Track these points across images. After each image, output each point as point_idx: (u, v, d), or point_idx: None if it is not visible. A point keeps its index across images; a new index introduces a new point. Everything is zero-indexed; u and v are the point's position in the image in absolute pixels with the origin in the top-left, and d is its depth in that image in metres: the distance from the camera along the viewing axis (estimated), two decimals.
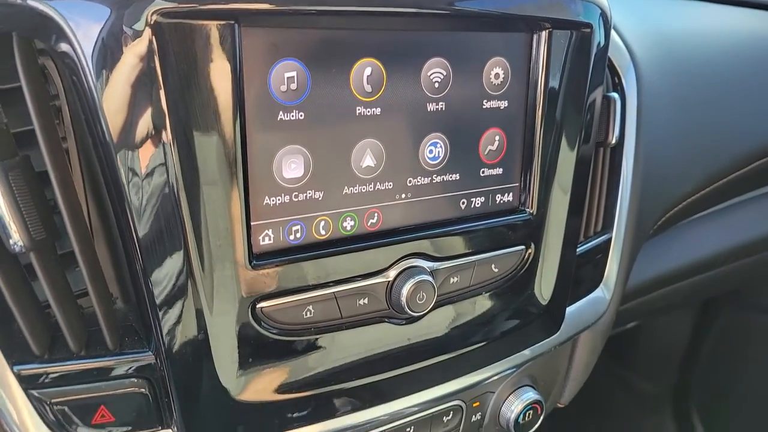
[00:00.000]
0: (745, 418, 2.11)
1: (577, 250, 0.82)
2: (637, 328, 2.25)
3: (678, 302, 1.38)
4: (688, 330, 2.24)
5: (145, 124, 0.47)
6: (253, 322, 0.57)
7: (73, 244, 0.51)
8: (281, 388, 0.60)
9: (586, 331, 0.89)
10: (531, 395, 0.81)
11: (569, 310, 0.83)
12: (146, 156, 0.48)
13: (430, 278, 0.64)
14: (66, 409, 0.53)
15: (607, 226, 0.88)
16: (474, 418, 0.79)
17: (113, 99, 0.46)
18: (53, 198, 0.51)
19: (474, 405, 0.78)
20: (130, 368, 0.55)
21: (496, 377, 0.78)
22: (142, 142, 0.48)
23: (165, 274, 0.52)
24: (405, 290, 0.63)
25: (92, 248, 0.55)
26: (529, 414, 0.82)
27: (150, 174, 0.49)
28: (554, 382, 0.88)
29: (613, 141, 0.82)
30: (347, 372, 0.64)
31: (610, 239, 0.88)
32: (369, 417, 0.67)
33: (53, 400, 0.52)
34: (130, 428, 0.56)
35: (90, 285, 0.52)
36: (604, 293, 0.88)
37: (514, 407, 0.81)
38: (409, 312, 0.64)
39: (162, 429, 0.57)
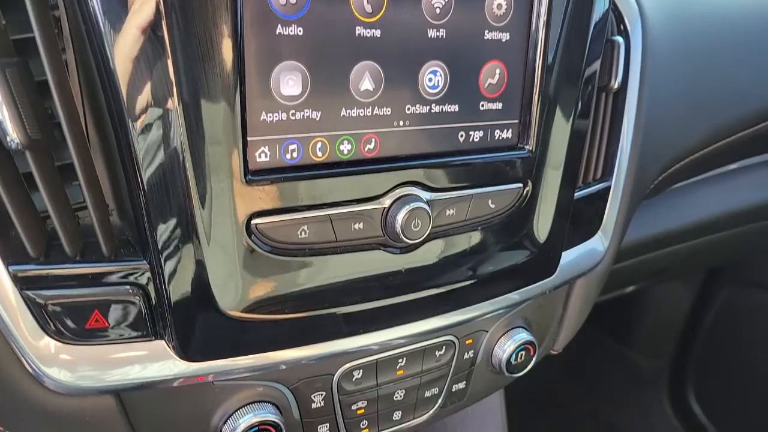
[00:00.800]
0: (742, 396, 2.12)
1: (576, 195, 0.82)
2: (636, 304, 2.26)
3: (677, 267, 1.38)
4: (688, 307, 2.25)
5: (143, 34, 0.47)
6: (247, 238, 0.58)
7: (71, 150, 0.51)
8: (274, 307, 0.61)
9: (582, 278, 0.89)
10: (523, 336, 0.82)
11: (565, 254, 0.83)
12: (144, 67, 0.48)
13: (425, 206, 0.64)
14: (60, 311, 0.54)
15: (607, 173, 0.88)
16: (466, 356, 0.80)
17: (111, 9, 0.46)
18: (51, 107, 0.52)
19: (467, 342, 0.79)
20: (125, 276, 0.55)
21: (489, 315, 0.78)
22: (141, 52, 0.48)
23: (161, 186, 0.53)
24: (400, 217, 0.63)
25: (89, 158, 0.55)
26: (521, 355, 0.83)
27: (148, 86, 0.49)
28: (548, 327, 0.89)
29: (616, 86, 0.82)
30: (340, 296, 0.65)
31: (609, 187, 0.88)
32: (360, 344, 0.68)
33: (48, 302, 0.53)
34: (123, 335, 0.56)
35: (86, 191, 0.53)
36: (601, 241, 0.88)
37: (506, 347, 0.82)
38: (404, 239, 0.64)
39: (155, 340, 0.58)
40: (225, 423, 0.65)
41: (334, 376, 0.70)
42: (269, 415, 0.65)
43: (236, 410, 0.65)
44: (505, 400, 1.14)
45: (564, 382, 2.43)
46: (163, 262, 0.55)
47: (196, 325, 0.58)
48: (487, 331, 0.81)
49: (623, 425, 2.35)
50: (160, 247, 0.54)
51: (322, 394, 0.70)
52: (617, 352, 2.37)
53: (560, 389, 2.43)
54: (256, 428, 0.64)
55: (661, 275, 1.40)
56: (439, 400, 0.81)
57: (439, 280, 0.71)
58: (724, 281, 2.07)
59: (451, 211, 0.69)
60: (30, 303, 0.53)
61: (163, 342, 0.58)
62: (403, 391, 0.76)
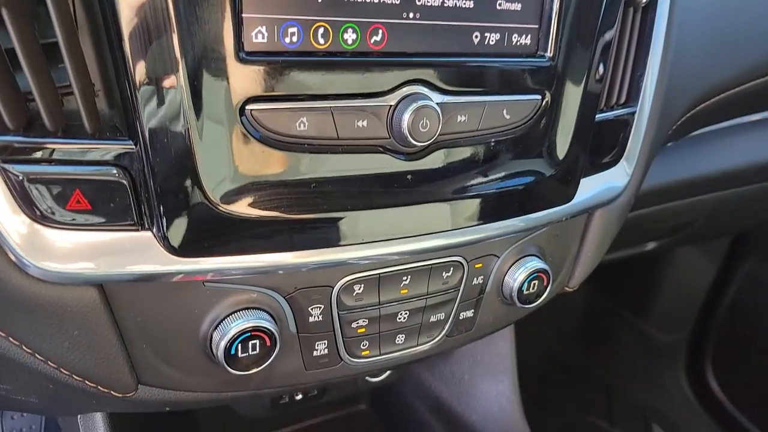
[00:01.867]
0: (762, 373, 2.06)
1: (598, 117, 0.77)
2: (654, 276, 2.20)
3: (701, 223, 1.31)
4: (709, 279, 2.19)
5: None
6: (240, 125, 0.54)
7: (56, 26, 0.48)
8: (268, 204, 0.57)
9: (602, 210, 0.84)
10: (537, 264, 0.78)
11: (584, 182, 0.78)
12: None
13: (435, 106, 0.60)
14: (40, 188, 0.50)
15: (632, 99, 0.83)
16: (475, 281, 0.76)
17: None
18: None
19: (476, 266, 0.75)
20: (109, 155, 0.52)
21: (500, 239, 0.74)
22: None
23: (150, 62, 0.49)
24: (407, 115, 0.59)
25: (75, 34, 0.51)
26: (533, 284, 0.78)
27: None
28: (563, 259, 0.84)
29: (644, 0, 0.76)
30: (340, 200, 0.60)
31: (634, 113, 0.83)
32: (362, 255, 0.64)
33: (26, 178, 0.50)
34: (108, 222, 0.53)
35: (70, 66, 0.49)
36: (623, 170, 0.83)
37: (518, 275, 0.77)
38: (411, 141, 0.60)
39: (143, 230, 0.54)
40: (215, 329, 0.61)
41: (333, 288, 0.66)
42: (263, 321, 0.61)
43: (228, 315, 0.61)
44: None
45: (577, 356, 2.38)
46: (149, 143, 0.51)
47: (184, 217, 0.55)
48: (498, 257, 0.76)
49: (638, 401, 2.30)
50: (146, 127, 0.51)
51: (320, 308, 0.66)
52: (633, 326, 2.31)
53: (573, 363, 2.38)
54: (248, 334, 0.61)
55: (684, 232, 1.34)
56: (446, 327, 0.76)
57: (446, 193, 0.67)
58: (749, 252, 2.00)
59: (463, 118, 0.64)
60: (8, 178, 0.50)
61: (151, 234, 0.55)
62: (407, 312, 0.72)
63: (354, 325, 0.69)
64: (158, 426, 0.90)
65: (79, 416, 0.79)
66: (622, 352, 2.34)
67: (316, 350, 0.69)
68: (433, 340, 0.76)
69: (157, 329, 0.60)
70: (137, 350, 0.60)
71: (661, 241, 1.41)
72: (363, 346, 0.71)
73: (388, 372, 0.99)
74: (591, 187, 0.80)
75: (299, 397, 0.92)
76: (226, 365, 0.61)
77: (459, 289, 0.75)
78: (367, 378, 0.98)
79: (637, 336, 2.31)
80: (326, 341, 0.69)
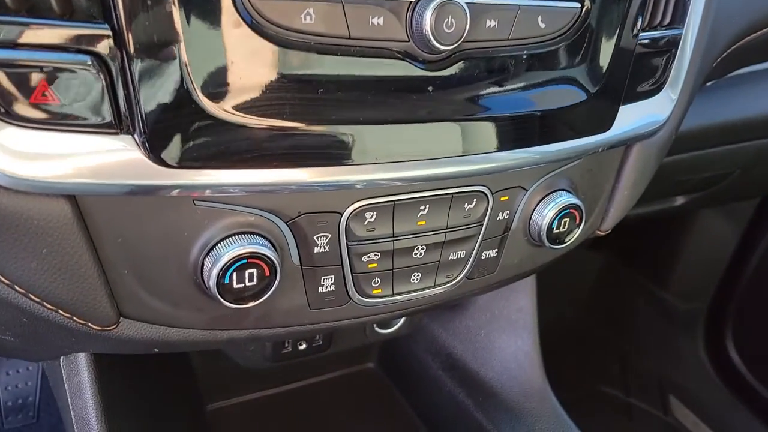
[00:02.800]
0: None
1: (641, 37, 0.68)
2: (673, 241, 2.12)
3: (736, 178, 1.23)
4: (732, 247, 2.10)
5: None
6: (236, 13, 0.46)
7: None
8: (266, 110, 0.49)
9: (640, 144, 0.75)
10: (568, 199, 0.69)
11: (624, 109, 0.69)
12: None
13: (462, 2, 0.51)
14: None
15: (678, 20, 0.74)
16: (500, 216, 0.68)
17: None
18: None
19: (501, 199, 0.67)
20: (80, 41, 0.44)
21: (529, 168, 0.66)
22: None
23: None
24: (429, 12, 0.51)
25: None
26: (564, 222, 0.70)
27: None
28: (597, 198, 0.76)
29: None
30: (350, 110, 0.52)
31: (679, 36, 0.74)
32: (372, 177, 0.56)
33: None
34: (80, 121, 0.45)
35: None
36: (666, 99, 0.74)
37: (547, 211, 0.69)
38: (434, 42, 0.51)
39: (122, 134, 0.47)
40: (207, 255, 0.54)
41: (342, 215, 0.58)
42: (261, 247, 0.54)
43: (221, 240, 0.53)
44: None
45: (592, 324, 2.32)
46: (127, 26, 0.43)
47: (169, 119, 0.47)
48: (526, 190, 0.68)
49: (654, 371, 2.23)
50: (124, 4, 0.43)
51: (326, 237, 0.59)
52: (650, 293, 2.23)
53: (587, 331, 2.31)
54: (245, 261, 0.53)
55: (716, 186, 1.25)
56: (466, 267, 0.69)
57: (469, 110, 0.58)
58: None
59: (492, 23, 0.56)
60: None
61: (131, 138, 0.47)
62: (424, 248, 0.64)
63: (364, 259, 0.62)
64: (149, 375, 0.84)
65: (61, 360, 0.73)
66: (639, 320, 2.27)
67: (322, 286, 0.61)
68: (452, 281, 0.69)
69: (139, 253, 0.53)
70: (117, 276, 0.53)
71: (690, 196, 1.32)
72: (374, 283, 0.64)
73: (400, 323, 0.92)
74: (631, 117, 0.72)
75: (303, 346, 0.85)
76: (219, 297, 0.54)
77: (482, 225, 0.67)
78: (376, 329, 0.91)
79: (654, 304, 2.24)
80: (333, 276, 0.61)
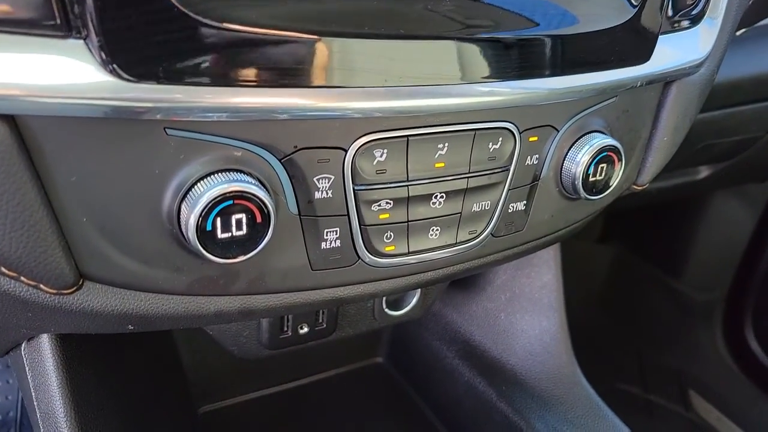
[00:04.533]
0: None
1: None
2: (689, 229, 2.03)
3: (763, 144, 1.14)
4: (748, 233, 2.02)
5: None
6: None
7: None
8: (254, 12, 0.40)
9: (680, 84, 0.66)
10: (605, 139, 0.60)
11: (663, 40, 0.61)
12: None
13: None
14: None
15: None
16: (529, 161, 0.58)
17: None
18: None
19: (530, 140, 0.57)
20: None
21: (560, 103, 0.57)
22: None
23: None
24: None
25: None
26: (601, 168, 0.61)
27: None
28: (633, 144, 0.67)
29: None
30: (354, 17, 0.43)
31: None
32: (382, 104, 0.47)
33: None
34: (14, 18, 0.36)
35: None
36: (705, 32, 0.66)
37: (581, 156, 0.60)
38: None
39: (71, 38, 0.37)
40: (184, 198, 0.44)
41: (346, 152, 0.49)
42: (250, 185, 0.44)
43: (200, 179, 0.44)
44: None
45: (604, 319, 2.22)
46: None
47: (132, 17, 0.37)
48: (558, 130, 0.59)
49: (671, 366, 2.13)
50: None
51: (328, 179, 0.49)
52: (665, 285, 2.14)
53: (601, 328, 2.21)
54: (230, 203, 0.44)
55: (745, 153, 1.16)
56: (491, 222, 0.59)
57: (493, 28, 0.49)
58: None
59: None
60: None
61: (84, 43, 0.37)
62: (444, 196, 0.55)
63: (374, 207, 0.52)
64: (131, 372, 0.74)
65: (23, 348, 0.62)
66: (654, 314, 2.17)
67: (325, 241, 0.52)
68: (475, 238, 0.59)
69: (100, 196, 0.43)
70: (74, 225, 0.43)
71: (715, 167, 1.23)
72: (387, 238, 0.54)
73: (413, 302, 0.82)
74: (670, 50, 0.63)
75: (304, 330, 0.75)
76: (200, 248, 0.44)
77: (509, 170, 0.57)
78: (386, 310, 0.81)
79: (669, 296, 2.14)
80: (338, 229, 0.52)
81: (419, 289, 0.81)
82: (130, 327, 0.54)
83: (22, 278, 0.43)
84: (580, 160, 0.60)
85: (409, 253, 0.56)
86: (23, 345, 0.61)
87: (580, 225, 0.72)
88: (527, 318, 0.90)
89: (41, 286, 0.43)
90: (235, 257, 0.45)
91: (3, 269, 0.42)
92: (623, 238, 2.23)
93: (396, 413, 1.01)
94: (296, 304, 0.59)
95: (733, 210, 2.01)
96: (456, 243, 0.58)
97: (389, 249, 0.55)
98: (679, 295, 2.13)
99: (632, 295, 2.23)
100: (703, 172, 1.25)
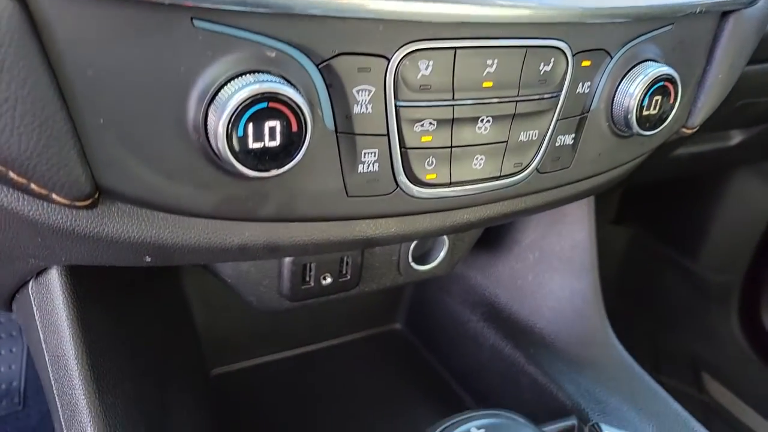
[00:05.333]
0: None
1: None
2: (705, 208, 1.99)
3: None
4: (766, 219, 1.98)
5: None
6: None
7: None
8: None
9: (737, 17, 0.62)
10: (660, 68, 0.55)
11: None
12: None
13: None
14: None
15: None
16: (580, 89, 0.54)
17: None
18: None
19: (582, 64, 0.52)
20: None
21: (614, 24, 0.52)
22: None
23: None
24: None
25: None
26: (657, 100, 0.56)
27: None
28: (687, 80, 0.62)
29: None
30: None
31: None
32: (430, 10, 0.42)
33: None
34: None
35: None
36: None
37: (635, 87, 0.55)
38: None
39: None
40: (212, 101, 0.39)
41: (389, 61, 0.44)
42: (286, 87, 0.40)
43: (230, 80, 0.39)
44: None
45: (618, 303, 2.18)
46: None
47: None
48: (611, 57, 0.54)
49: (685, 349, 2.09)
50: None
51: (369, 91, 0.44)
52: (680, 266, 2.09)
53: (614, 309, 2.17)
54: (264, 105, 0.39)
55: None
56: (539, 153, 0.54)
57: None
58: None
59: None
60: None
61: None
62: (490, 120, 0.50)
63: (417, 128, 0.47)
64: (139, 321, 0.69)
65: (30, 288, 0.58)
66: (668, 295, 2.13)
67: (363, 164, 0.47)
68: (520, 171, 0.54)
69: (119, 94, 0.38)
70: (90, 127, 0.38)
71: (751, 131, 1.18)
72: (428, 165, 0.49)
73: (440, 257, 0.78)
74: None
75: (327, 281, 0.70)
76: (230, 157, 0.39)
77: (559, 96, 0.53)
78: (412, 264, 0.77)
79: (684, 277, 2.10)
80: (377, 151, 0.47)
81: (446, 244, 0.77)
82: (148, 259, 0.49)
83: (33, 185, 0.38)
84: (634, 92, 0.56)
85: (450, 184, 0.51)
86: (30, 284, 0.57)
87: (624, 171, 0.68)
88: (557, 279, 0.86)
89: (53, 195, 0.39)
90: (267, 170, 0.41)
91: (12, 174, 0.37)
92: (639, 219, 2.18)
93: (415, 380, 0.97)
94: (324, 241, 0.54)
95: (752, 190, 1.96)
96: (500, 176, 0.54)
97: (430, 177, 0.50)
98: (695, 276, 2.09)
99: (647, 277, 2.19)
100: (736, 137, 1.21)
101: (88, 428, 0.55)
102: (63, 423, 0.56)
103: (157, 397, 0.66)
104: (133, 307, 0.69)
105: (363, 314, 1.03)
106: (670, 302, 2.13)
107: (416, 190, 0.50)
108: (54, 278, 0.54)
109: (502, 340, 0.87)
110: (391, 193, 0.50)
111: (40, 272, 0.55)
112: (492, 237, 0.92)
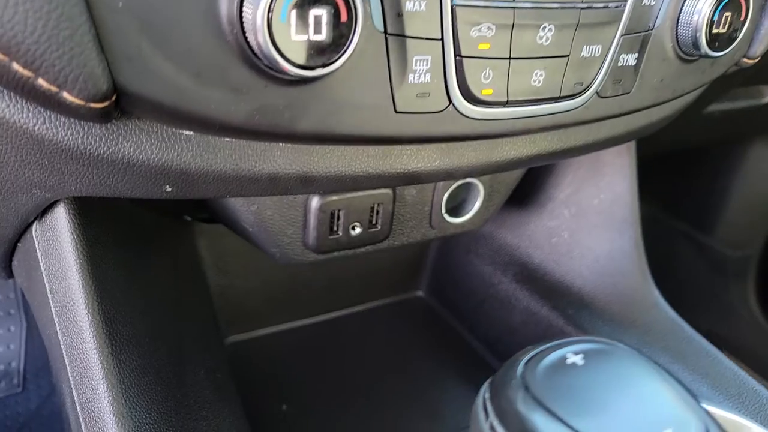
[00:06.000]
0: None
1: None
2: (721, 182, 1.94)
3: None
4: None
5: None
6: None
7: None
8: None
9: None
10: None
11: None
12: None
13: None
14: None
15: None
16: (645, 1, 0.48)
17: None
18: None
19: None
20: None
21: None
22: None
23: None
24: None
25: None
26: (726, 18, 0.51)
27: None
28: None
29: None
30: None
31: None
32: None
33: None
34: None
35: None
36: None
37: (702, 3, 0.50)
38: None
39: None
40: None
41: None
42: None
43: None
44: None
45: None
46: None
47: None
48: None
49: (703, 327, 2.04)
50: None
51: None
52: (695, 241, 2.04)
53: None
54: None
55: None
56: (600, 72, 0.49)
57: None
58: None
59: None
60: None
61: None
62: (552, 29, 0.44)
63: (474, 33, 0.42)
64: (152, 277, 0.64)
65: (34, 231, 0.52)
66: (684, 271, 2.08)
67: (413, 72, 0.41)
68: (581, 93, 0.49)
69: None
70: (108, 10, 0.32)
71: None
72: (485, 78, 0.44)
73: (475, 208, 0.72)
74: None
75: (356, 231, 0.65)
76: (271, 49, 0.34)
77: (625, 6, 0.47)
78: (445, 216, 0.71)
79: (699, 252, 2.05)
80: (429, 57, 0.41)
81: (481, 194, 0.71)
82: (168, 189, 0.44)
83: (40, 80, 0.32)
84: (701, 8, 0.50)
85: (507, 103, 0.46)
86: (34, 227, 0.51)
87: (682, 106, 0.62)
88: (595, 235, 0.81)
89: (64, 94, 0.33)
90: (313, 68, 0.35)
91: (15, 66, 0.32)
92: (652, 194, 2.13)
93: (441, 348, 0.91)
94: (362, 173, 0.49)
95: None
96: (559, 96, 0.48)
97: (486, 93, 0.44)
98: (711, 252, 2.04)
99: (662, 254, 2.14)
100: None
101: (101, 386, 0.49)
102: (72, 381, 0.51)
103: (173, 356, 0.60)
104: (146, 261, 0.63)
105: (384, 281, 0.97)
106: (686, 278, 2.08)
107: (470, 108, 0.45)
108: (61, 216, 0.49)
109: (537, 301, 0.82)
110: (442, 110, 0.44)
111: (45, 211, 0.49)
112: (523, 194, 0.87)
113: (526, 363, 0.37)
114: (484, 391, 0.38)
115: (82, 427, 0.50)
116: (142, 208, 0.65)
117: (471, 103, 0.44)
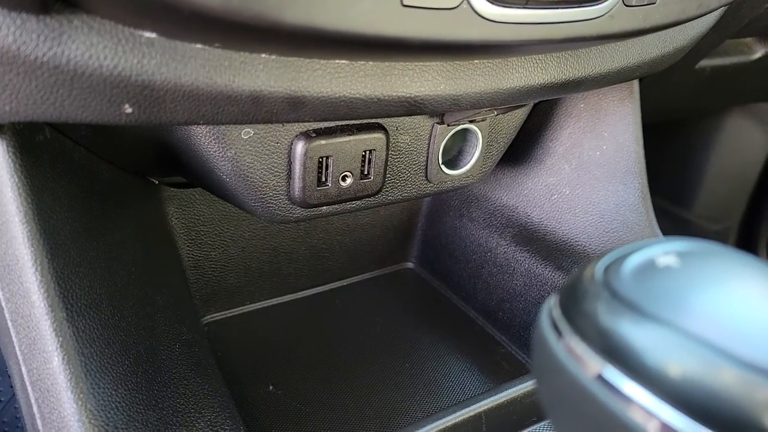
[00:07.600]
0: None
1: None
2: (697, 158, 1.92)
3: None
4: (764, 155, 1.92)
5: None
6: None
7: None
8: None
9: None
10: None
11: None
12: None
13: None
14: None
15: None
16: None
17: None
18: None
19: None
20: None
21: None
22: None
23: None
24: None
25: None
26: None
27: None
28: None
29: None
30: None
31: None
32: None
33: None
34: None
35: None
36: None
37: None
38: None
39: None
40: None
41: None
42: None
43: None
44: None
45: None
46: None
47: None
48: None
49: None
50: None
51: None
52: (674, 216, 2.02)
53: None
54: None
55: None
56: None
57: None
58: None
59: None
60: None
61: None
62: None
63: None
64: (115, 240, 0.56)
65: None
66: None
67: None
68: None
69: None
70: None
71: None
72: None
73: (473, 161, 0.66)
74: None
75: (347, 181, 0.58)
76: None
77: None
78: (443, 168, 0.65)
79: (679, 227, 2.03)
80: None
81: (479, 145, 0.65)
82: (128, 109, 0.36)
83: None
84: None
85: (528, 3, 0.39)
86: None
87: (697, 34, 0.57)
88: (599, 188, 0.75)
89: None
90: None
91: None
92: None
93: (436, 319, 0.85)
94: (358, 97, 0.42)
95: (746, 133, 1.90)
96: (582, 1, 0.42)
97: None
98: (690, 225, 2.02)
99: None
100: (758, 51, 1.11)
101: (55, 357, 0.41)
102: (20, 356, 0.43)
103: (143, 329, 0.52)
104: (106, 222, 0.55)
105: (371, 253, 0.90)
106: None
107: (486, 5, 0.38)
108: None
109: (539, 263, 0.76)
110: (455, 7, 0.37)
111: None
112: (519, 151, 0.81)
113: (605, 270, 0.30)
114: (550, 309, 0.31)
115: (35, 409, 0.42)
116: (101, 161, 0.57)
117: (488, 0, 0.38)
